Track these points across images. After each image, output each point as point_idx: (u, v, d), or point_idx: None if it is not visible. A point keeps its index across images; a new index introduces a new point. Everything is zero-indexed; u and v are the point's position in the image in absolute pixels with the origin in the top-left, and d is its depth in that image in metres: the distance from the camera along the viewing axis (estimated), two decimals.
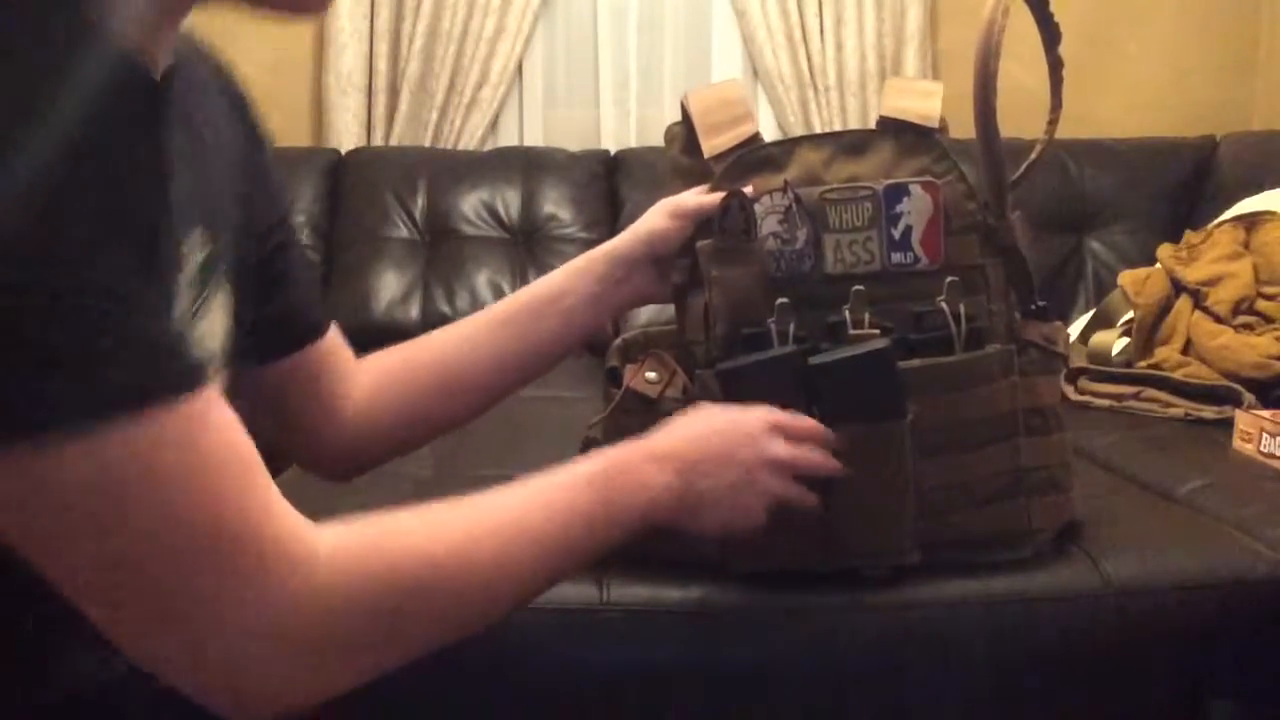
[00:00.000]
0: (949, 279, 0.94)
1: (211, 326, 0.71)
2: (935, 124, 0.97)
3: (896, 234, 0.94)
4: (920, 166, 0.96)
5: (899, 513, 0.93)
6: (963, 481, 0.95)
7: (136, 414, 0.48)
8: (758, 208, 0.94)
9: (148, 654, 0.54)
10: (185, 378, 0.51)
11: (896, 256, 0.94)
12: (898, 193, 0.94)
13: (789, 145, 0.98)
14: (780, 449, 0.81)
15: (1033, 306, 1.00)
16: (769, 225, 0.94)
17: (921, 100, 0.98)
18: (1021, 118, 1.28)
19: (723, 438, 0.79)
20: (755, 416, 0.82)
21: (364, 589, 0.58)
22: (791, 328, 0.92)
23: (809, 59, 2.47)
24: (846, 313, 0.93)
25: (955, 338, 0.93)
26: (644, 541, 0.99)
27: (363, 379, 0.92)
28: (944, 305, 0.93)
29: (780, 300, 0.93)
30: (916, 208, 0.94)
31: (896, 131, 0.97)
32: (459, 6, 2.43)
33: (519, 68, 2.52)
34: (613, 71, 2.56)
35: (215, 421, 0.53)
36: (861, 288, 0.93)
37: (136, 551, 0.50)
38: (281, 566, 0.54)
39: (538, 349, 0.95)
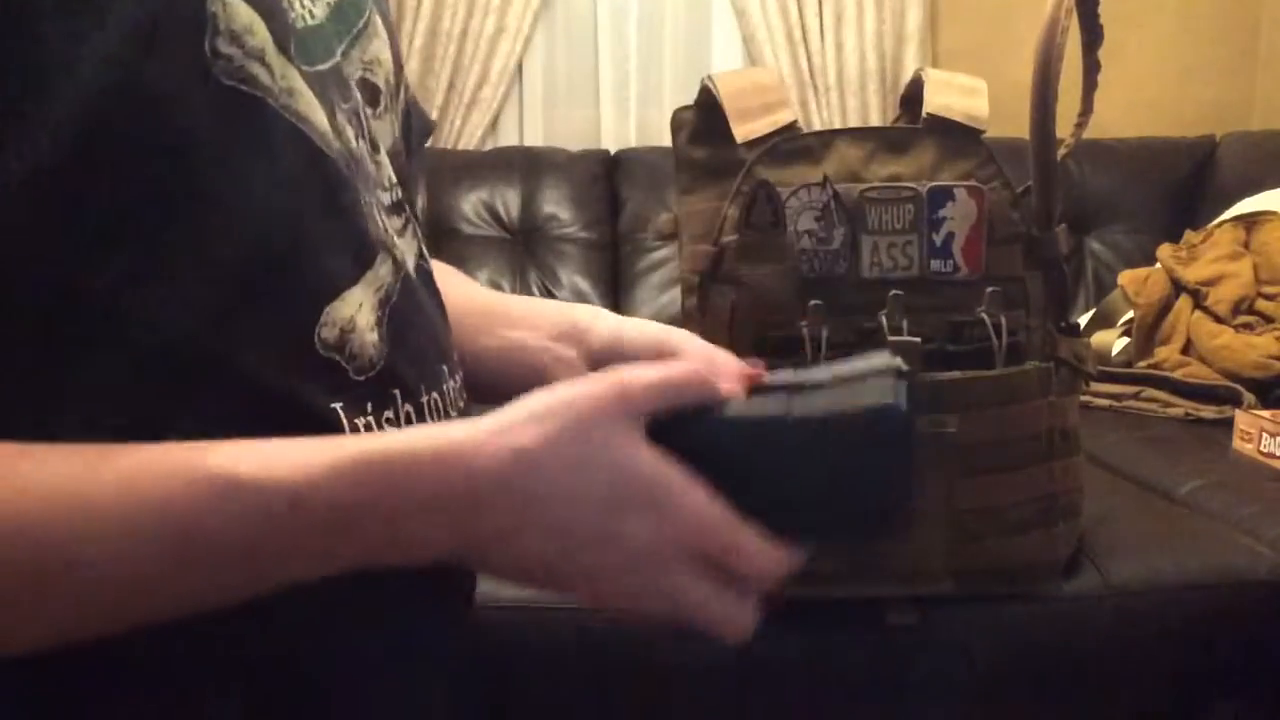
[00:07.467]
0: (989, 289, 0.89)
1: None
2: (983, 125, 0.91)
3: (938, 240, 0.89)
4: (965, 170, 0.90)
5: (932, 534, 0.88)
6: (997, 505, 0.90)
7: None
8: (793, 201, 0.88)
9: None
10: None
11: (936, 264, 0.89)
12: (941, 196, 0.89)
13: (826, 137, 0.92)
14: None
15: (1064, 324, 0.95)
16: (804, 222, 0.88)
17: (966, 98, 0.92)
18: (1024, 121, 1.27)
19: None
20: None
21: None
22: (825, 333, 0.86)
23: (809, 59, 2.47)
24: (883, 319, 0.87)
25: (996, 351, 0.88)
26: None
27: None
28: (985, 316, 0.88)
29: (814, 302, 0.87)
30: (960, 213, 0.88)
31: (942, 131, 0.91)
32: (459, 6, 2.42)
33: (519, 67, 2.52)
34: (613, 71, 2.55)
35: None
36: (900, 293, 0.88)
37: None
38: None
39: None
